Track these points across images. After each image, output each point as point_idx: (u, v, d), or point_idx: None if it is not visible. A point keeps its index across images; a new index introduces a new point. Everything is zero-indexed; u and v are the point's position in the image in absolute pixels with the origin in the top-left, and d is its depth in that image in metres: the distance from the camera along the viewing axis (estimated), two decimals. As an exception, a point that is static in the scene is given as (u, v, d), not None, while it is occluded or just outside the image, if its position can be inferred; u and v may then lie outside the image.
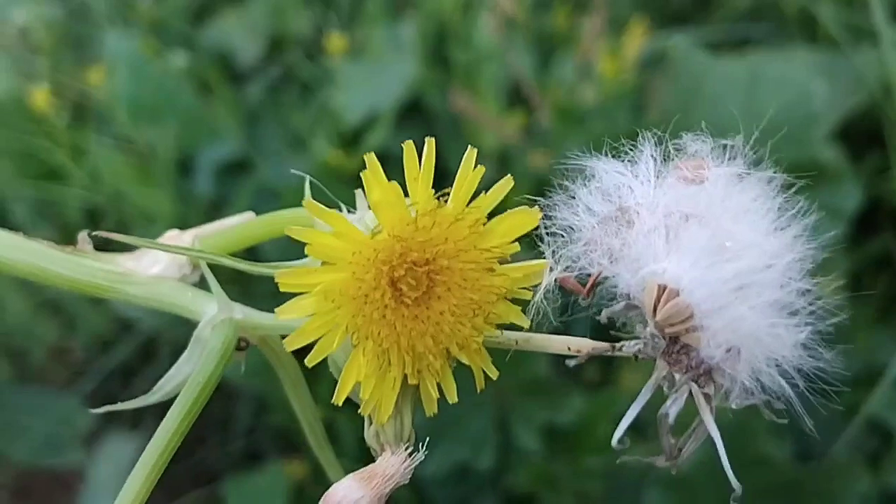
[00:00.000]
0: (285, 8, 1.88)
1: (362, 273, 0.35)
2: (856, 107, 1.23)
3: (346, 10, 1.87)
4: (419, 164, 0.36)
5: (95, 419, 1.56)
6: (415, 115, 1.60)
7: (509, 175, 0.38)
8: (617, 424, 0.34)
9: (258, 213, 0.50)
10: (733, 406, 0.34)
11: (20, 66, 1.85)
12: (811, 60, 1.26)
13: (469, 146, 0.37)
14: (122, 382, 1.69)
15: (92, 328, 1.74)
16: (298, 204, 0.39)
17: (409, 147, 0.36)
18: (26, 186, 1.69)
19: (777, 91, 1.12)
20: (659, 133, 0.37)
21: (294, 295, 0.36)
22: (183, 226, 0.50)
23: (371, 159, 0.35)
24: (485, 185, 0.37)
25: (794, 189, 0.36)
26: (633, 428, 0.36)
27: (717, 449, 0.34)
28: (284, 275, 0.36)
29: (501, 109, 1.51)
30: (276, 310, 0.36)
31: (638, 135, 0.37)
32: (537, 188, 0.39)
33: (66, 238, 0.46)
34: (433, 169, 0.36)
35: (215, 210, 1.61)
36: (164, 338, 1.64)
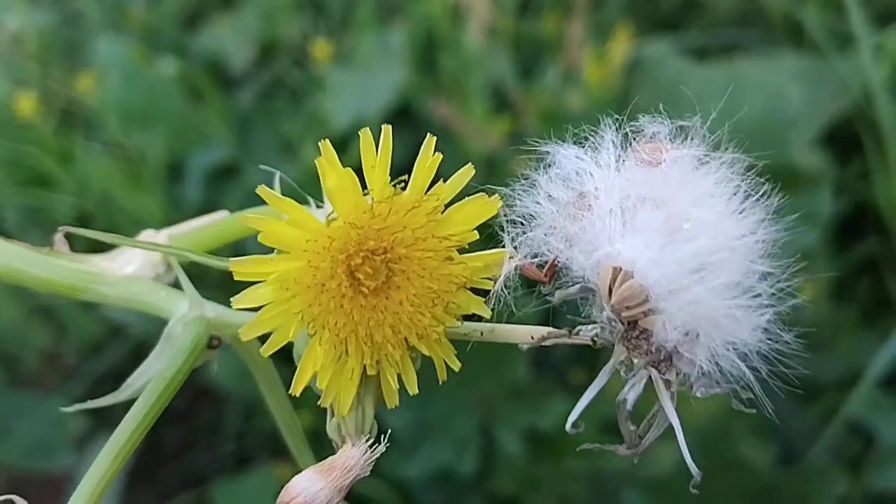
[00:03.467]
0: (277, 14, 1.88)
1: (317, 261, 0.35)
2: (841, 112, 1.22)
3: (337, 17, 1.88)
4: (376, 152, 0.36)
5: (86, 423, 1.56)
6: (403, 122, 1.60)
7: (470, 164, 0.37)
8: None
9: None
10: (697, 395, 0.33)
11: (12, 73, 1.85)
12: (796, 66, 1.26)
13: (428, 134, 0.36)
14: (113, 386, 1.66)
15: (83, 333, 1.74)
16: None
17: (365, 134, 0.35)
18: (16, 193, 1.69)
19: (755, 95, 1.11)
20: (621, 119, 0.37)
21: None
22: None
23: (326, 146, 0.35)
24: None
25: (755, 170, 0.35)
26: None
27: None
28: (239, 263, 0.35)
29: (488, 115, 1.51)
30: (231, 299, 0.36)
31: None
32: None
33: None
34: (390, 156, 0.36)
35: (205, 215, 1.60)
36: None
